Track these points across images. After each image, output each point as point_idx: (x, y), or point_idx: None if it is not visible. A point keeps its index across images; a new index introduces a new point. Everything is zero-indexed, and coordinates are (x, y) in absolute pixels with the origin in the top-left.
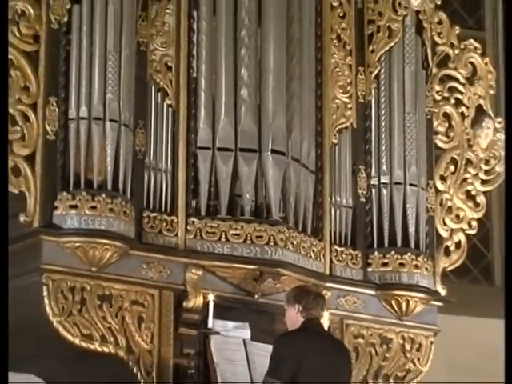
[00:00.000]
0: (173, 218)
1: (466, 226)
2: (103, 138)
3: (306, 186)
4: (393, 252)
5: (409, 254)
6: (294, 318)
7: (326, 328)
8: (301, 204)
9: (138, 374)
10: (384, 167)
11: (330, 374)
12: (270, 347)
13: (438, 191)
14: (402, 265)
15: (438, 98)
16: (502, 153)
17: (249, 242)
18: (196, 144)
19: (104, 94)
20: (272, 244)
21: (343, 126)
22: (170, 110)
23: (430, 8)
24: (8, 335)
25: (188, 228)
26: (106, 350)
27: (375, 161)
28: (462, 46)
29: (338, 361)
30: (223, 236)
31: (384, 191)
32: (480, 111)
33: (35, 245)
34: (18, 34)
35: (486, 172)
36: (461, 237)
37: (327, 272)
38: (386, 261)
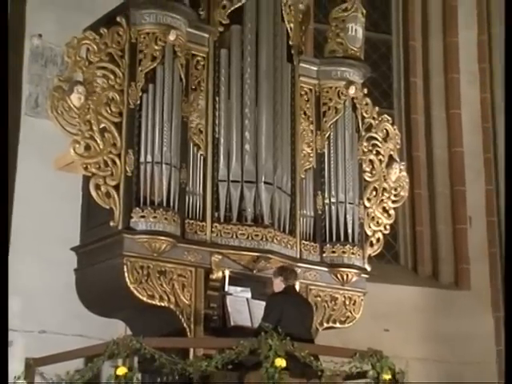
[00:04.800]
0: (203, 223)
1: (382, 229)
2: (161, 174)
3: (285, 204)
4: (338, 244)
5: (348, 245)
6: (278, 284)
7: (297, 291)
8: (282, 215)
9: (182, 319)
10: (333, 192)
11: (300, 318)
12: (263, 303)
13: (365, 207)
14: (343, 252)
15: (366, 150)
16: (405, 183)
17: (250, 238)
18: (218, 178)
19: (161, 147)
20: (264, 239)
21: (308, 167)
22: (202, 157)
23: (360, 96)
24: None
25: (213, 230)
26: (162, 304)
27: (328, 188)
28: (380, 119)
29: (306, 311)
30: (234, 234)
31: (333, 207)
32: (391, 159)
33: (119, 240)
34: (109, 111)
35: (395, 195)
36: (379, 235)
37: (298, 256)
38: (334, 250)
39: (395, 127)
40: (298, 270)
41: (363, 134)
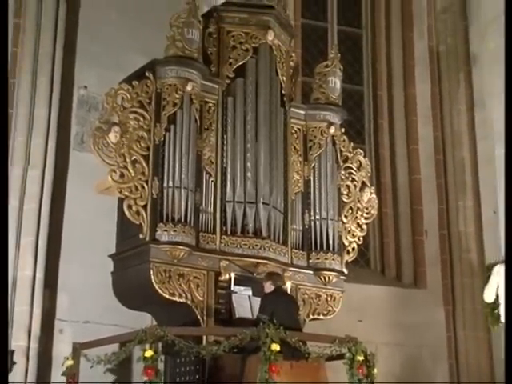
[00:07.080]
0: (214, 235)
1: (357, 240)
2: (180, 196)
3: (279, 220)
4: (321, 252)
5: (329, 253)
6: (268, 287)
7: (288, 290)
8: (276, 229)
9: (197, 312)
10: (317, 211)
11: (289, 312)
12: None
13: (343, 223)
14: (326, 258)
15: (343, 177)
16: (375, 204)
17: (251, 247)
18: (225, 199)
19: (180, 175)
20: (262, 248)
21: (297, 191)
22: (213, 183)
23: (338, 134)
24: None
25: (221, 241)
26: (181, 300)
27: (313, 208)
28: (354, 152)
29: (293, 306)
30: (239, 244)
31: (317, 223)
32: (363, 184)
33: (147, 249)
34: (139, 146)
35: (367, 213)
36: (354, 245)
37: (289, 262)
38: (318, 256)
39: (366, 159)
40: (290, 273)
41: (341, 164)
